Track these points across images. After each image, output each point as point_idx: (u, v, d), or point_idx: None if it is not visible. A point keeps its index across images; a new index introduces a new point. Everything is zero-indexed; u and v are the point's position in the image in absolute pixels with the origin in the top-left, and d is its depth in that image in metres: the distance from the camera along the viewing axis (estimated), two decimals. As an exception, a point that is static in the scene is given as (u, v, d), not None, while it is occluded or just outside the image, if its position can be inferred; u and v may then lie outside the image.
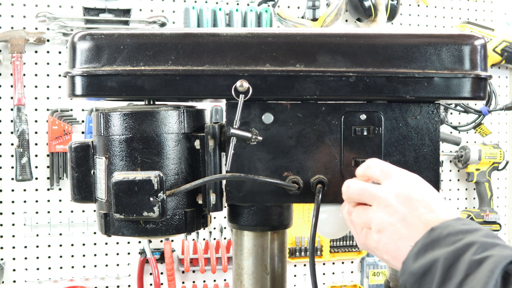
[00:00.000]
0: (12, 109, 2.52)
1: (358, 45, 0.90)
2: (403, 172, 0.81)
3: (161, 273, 2.70)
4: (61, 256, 2.65)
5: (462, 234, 0.69)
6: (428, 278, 0.68)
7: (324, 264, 2.96)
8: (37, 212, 2.61)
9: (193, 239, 2.75)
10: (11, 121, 2.53)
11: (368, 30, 0.94)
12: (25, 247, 2.61)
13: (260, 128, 0.92)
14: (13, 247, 2.59)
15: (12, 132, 2.55)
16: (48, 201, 2.62)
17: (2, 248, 2.58)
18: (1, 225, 2.58)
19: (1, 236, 2.58)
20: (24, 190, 2.59)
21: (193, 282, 2.80)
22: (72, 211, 2.64)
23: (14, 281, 2.60)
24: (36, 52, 2.58)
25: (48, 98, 2.59)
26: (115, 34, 0.90)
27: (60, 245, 2.65)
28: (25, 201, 2.59)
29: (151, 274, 2.68)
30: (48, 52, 2.59)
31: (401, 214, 0.76)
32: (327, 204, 0.95)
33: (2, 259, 2.58)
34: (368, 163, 0.85)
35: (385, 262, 0.79)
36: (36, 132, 2.58)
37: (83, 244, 2.67)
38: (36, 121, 2.58)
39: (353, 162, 0.92)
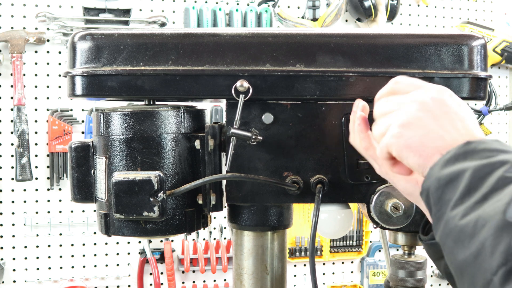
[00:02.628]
0: (12, 109, 2.52)
1: (358, 45, 0.90)
2: (435, 85, 0.77)
3: (161, 273, 2.70)
4: (61, 256, 2.65)
5: (497, 152, 0.65)
6: (452, 185, 0.64)
7: (324, 264, 2.96)
8: (37, 212, 2.61)
9: (193, 239, 2.74)
10: (11, 121, 2.53)
11: (368, 30, 0.94)
12: (25, 247, 2.60)
13: (260, 128, 0.92)
14: (13, 247, 2.59)
15: (12, 132, 2.55)
16: (48, 201, 2.62)
17: (2, 248, 2.58)
18: (1, 225, 2.58)
19: (1, 236, 2.58)
20: (24, 190, 2.59)
21: (193, 282, 2.80)
22: (72, 211, 2.64)
23: (14, 281, 2.60)
24: (36, 52, 2.58)
25: (48, 98, 2.59)
26: (115, 34, 0.90)
27: (60, 245, 2.65)
28: (25, 201, 2.59)
29: (151, 274, 2.68)
30: (48, 52, 2.59)
31: (435, 114, 0.72)
32: (327, 204, 0.95)
33: (2, 259, 2.58)
34: (396, 78, 0.79)
35: (402, 160, 0.73)
36: (36, 132, 2.58)
37: (83, 244, 2.67)
38: (36, 121, 2.58)
39: (354, 162, 0.92)
